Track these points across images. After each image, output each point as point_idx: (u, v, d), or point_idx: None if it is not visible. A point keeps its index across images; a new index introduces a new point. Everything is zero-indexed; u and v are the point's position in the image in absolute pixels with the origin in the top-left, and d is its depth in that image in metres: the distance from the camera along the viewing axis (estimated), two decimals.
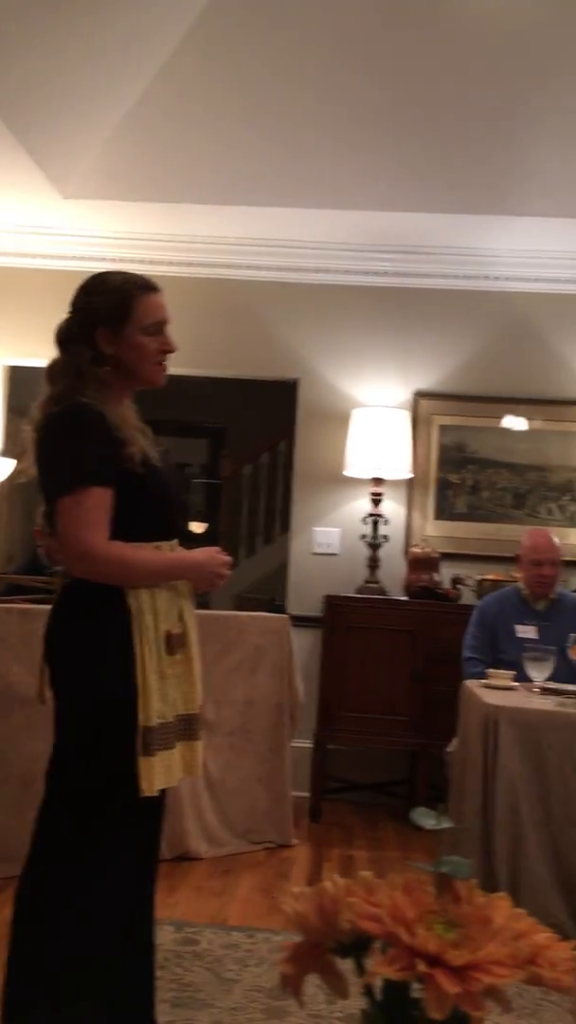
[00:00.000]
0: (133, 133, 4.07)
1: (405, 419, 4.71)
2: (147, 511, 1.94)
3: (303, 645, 4.46)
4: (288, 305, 4.94)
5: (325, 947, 0.64)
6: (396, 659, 4.38)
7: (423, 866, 0.60)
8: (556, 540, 4.00)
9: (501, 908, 0.59)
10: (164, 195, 4.44)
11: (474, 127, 4.00)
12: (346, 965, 0.65)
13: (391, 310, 4.91)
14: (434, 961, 0.53)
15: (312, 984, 0.64)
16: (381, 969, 0.53)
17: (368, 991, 0.58)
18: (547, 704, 3.10)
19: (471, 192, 4.29)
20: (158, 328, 1.98)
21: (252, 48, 3.76)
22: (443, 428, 4.88)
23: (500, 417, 4.85)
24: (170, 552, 1.97)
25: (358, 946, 0.62)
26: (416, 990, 0.57)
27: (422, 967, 0.52)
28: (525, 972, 0.55)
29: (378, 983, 0.60)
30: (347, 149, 4.14)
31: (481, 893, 0.60)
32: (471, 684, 3.46)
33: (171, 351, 2.01)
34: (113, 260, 4.66)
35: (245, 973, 2.61)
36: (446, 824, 0.60)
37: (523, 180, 4.22)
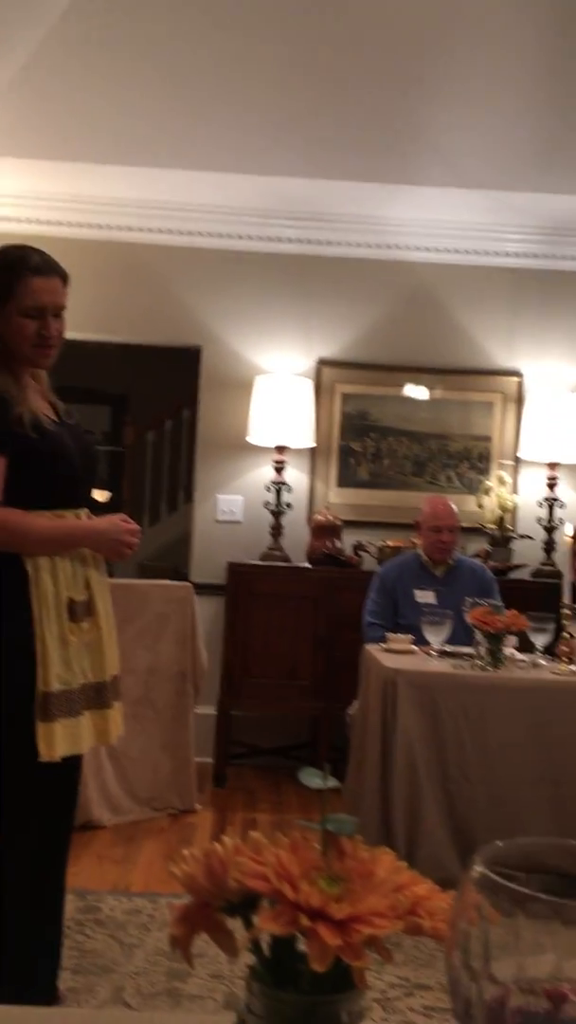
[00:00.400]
0: (26, 90, 3.93)
1: (308, 387, 4.73)
2: (45, 479, 1.91)
3: (207, 613, 4.46)
4: (190, 271, 4.88)
5: (214, 907, 0.65)
6: (299, 625, 4.43)
7: (309, 824, 0.61)
8: (455, 507, 4.09)
9: (383, 862, 0.61)
10: (59, 153, 4.31)
11: (375, 95, 4.01)
12: (238, 925, 0.66)
13: (294, 278, 4.90)
14: (317, 915, 0.55)
15: (214, 945, 0.65)
16: (266, 925, 0.54)
17: (256, 947, 0.59)
18: (444, 666, 3.19)
19: (372, 160, 4.30)
20: (39, 312, 1.93)
21: (151, 7, 3.67)
22: (345, 396, 4.92)
23: (402, 386, 4.91)
24: (73, 520, 1.94)
25: (246, 905, 0.63)
26: (301, 944, 0.58)
27: (305, 921, 0.54)
28: (405, 922, 0.57)
29: (266, 939, 0.61)
30: (247, 113, 4.09)
31: (365, 848, 0.61)
32: (371, 648, 3.53)
33: (48, 337, 1.95)
34: (7, 219, 4.53)
35: (147, 938, 2.62)
36: (332, 783, 0.61)
37: (423, 150, 4.25)
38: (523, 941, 0.45)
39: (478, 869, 0.46)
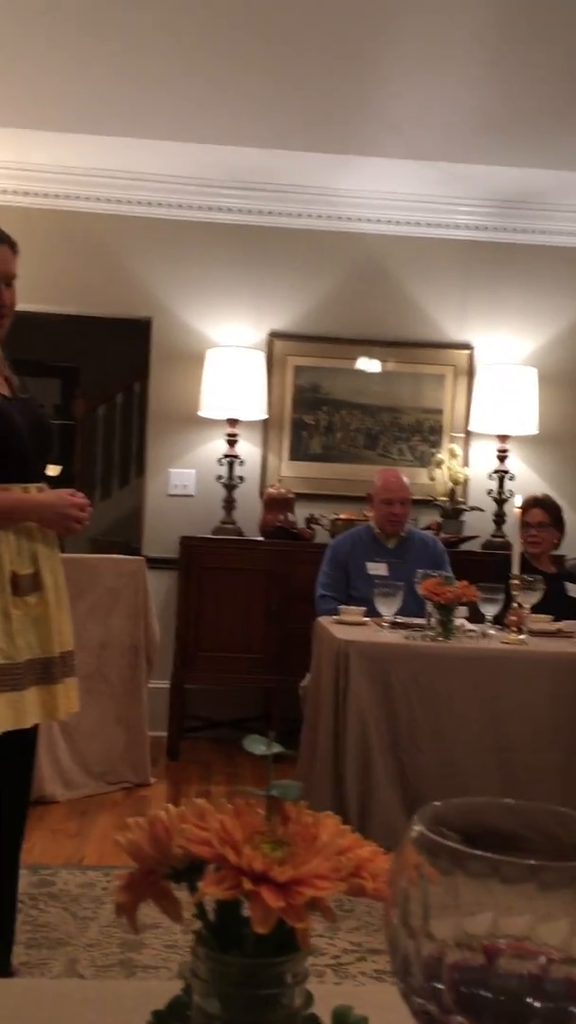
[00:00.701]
0: None
1: (260, 360, 4.71)
2: None
3: (160, 587, 4.45)
4: (139, 241, 4.82)
5: (159, 874, 0.65)
6: (252, 598, 4.44)
7: (254, 790, 0.61)
8: (406, 480, 4.11)
9: (328, 826, 0.61)
10: (3, 120, 4.21)
11: (323, 64, 3.96)
12: (185, 892, 0.66)
13: (245, 249, 4.86)
14: (259, 879, 0.55)
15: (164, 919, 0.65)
16: (209, 889, 0.55)
17: (201, 912, 0.60)
18: (395, 637, 3.22)
19: (321, 130, 4.27)
20: None
21: None
22: (298, 369, 4.91)
23: (354, 359, 4.91)
24: (18, 494, 1.92)
25: (192, 871, 0.63)
26: (246, 909, 0.59)
27: (247, 885, 0.54)
28: (348, 884, 0.58)
29: (211, 905, 0.62)
30: (194, 80, 4.03)
31: (309, 813, 0.62)
32: (324, 620, 3.55)
33: (1, 306, 1.92)
34: None
35: (101, 911, 2.63)
36: (276, 749, 0.62)
37: (372, 120, 4.22)
38: (462, 899, 0.45)
39: (416, 828, 0.46)
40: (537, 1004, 0.41)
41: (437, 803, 0.50)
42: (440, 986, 0.42)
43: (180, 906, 0.67)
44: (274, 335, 4.88)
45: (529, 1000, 0.41)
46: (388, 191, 4.75)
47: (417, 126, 4.24)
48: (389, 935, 0.45)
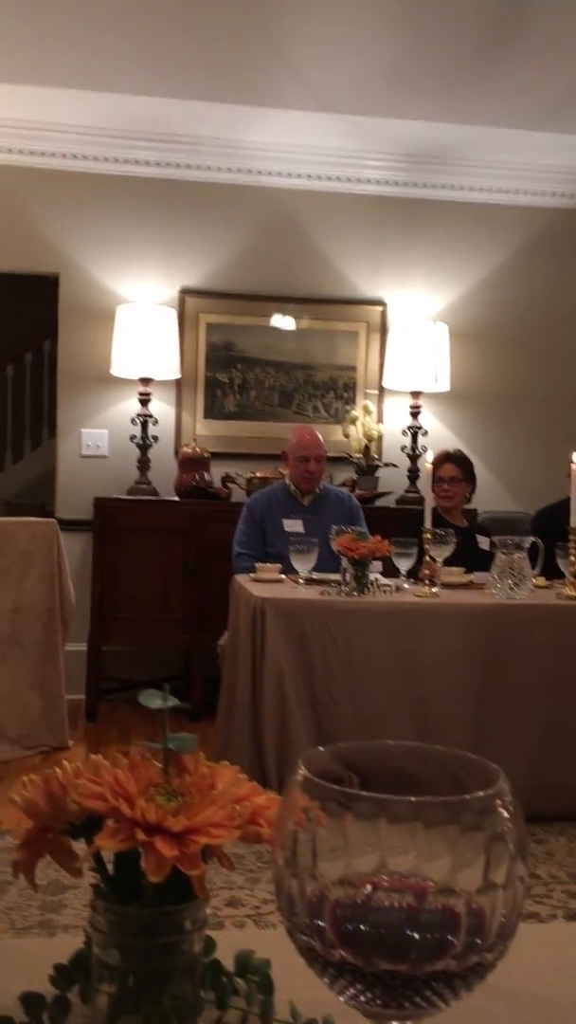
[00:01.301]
0: None
1: (171, 317, 4.64)
2: None
3: (74, 549, 4.40)
4: (45, 194, 4.68)
5: (56, 830, 0.64)
6: (169, 558, 4.42)
7: (151, 744, 0.61)
8: (321, 437, 4.12)
9: (224, 776, 0.62)
10: None
11: (233, 14, 3.88)
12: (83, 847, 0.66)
13: (153, 202, 4.76)
14: (153, 829, 0.55)
15: (89, 875, 0.65)
16: (103, 842, 0.55)
17: (99, 865, 0.60)
18: (310, 593, 3.25)
19: (231, 81, 4.20)
20: None
21: None
22: (210, 326, 4.85)
23: (267, 316, 4.88)
24: None
25: (89, 826, 0.63)
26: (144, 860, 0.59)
27: (141, 836, 0.54)
28: (243, 831, 0.58)
29: (110, 859, 0.62)
30: (103, 29, 3.90)
31: (207, 764, 0.62)
32: (240, 578, 3.55)
33: None
34: None
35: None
36: (172, 702, 0.62)
37: (280, 71, 4.16)
38: (352, 841, 0.46)
39: (301, 772, 0.47)
40: (416, 935, 0.43)
41: (322, 748, 0.50)
42: (322, 924, 0.43)
43: (78, 860, 0.67)
44: (186, 292, 4.81)
45: (408, 932, 0.43)
46: (299, 144, 4.70)
47: (327, 79, 4.20)
48: (275, 876, 0.46)
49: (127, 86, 4.23)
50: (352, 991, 0.43)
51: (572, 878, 2.74)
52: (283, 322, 4.89)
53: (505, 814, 0.45)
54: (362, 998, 0.44)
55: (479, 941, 0.43)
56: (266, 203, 4.84)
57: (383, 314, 4.96)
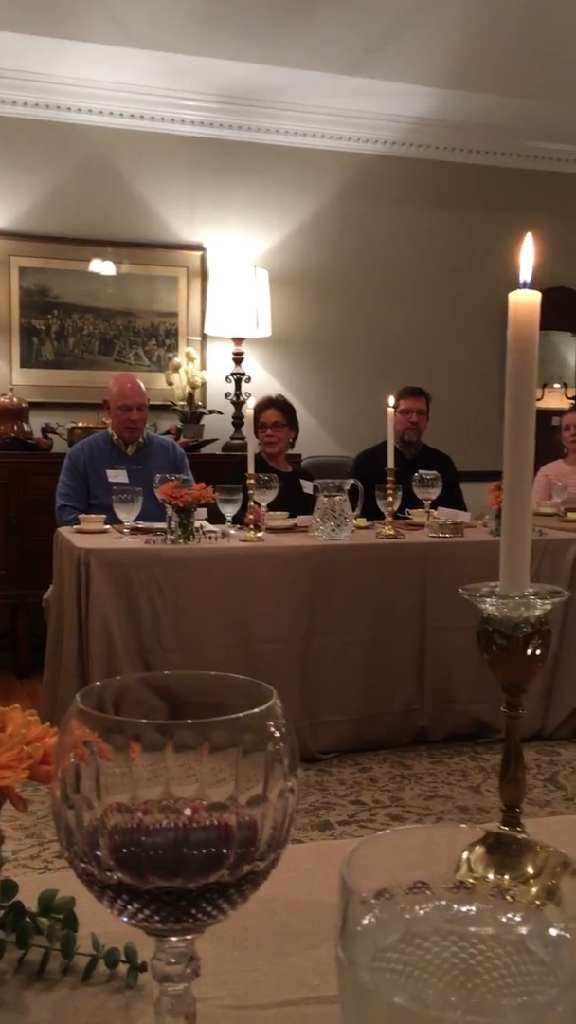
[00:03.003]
0: None
1: None
2: None
3: None
4: None
5: None
6: None
7: None
8: (143, 385, 4.06)
9: (14, 719, 0.61)
10: None
11: None
12: None
13: None
14: None
15: None
16: None
17: None
18: (135, 543, 3.23)
19: (35, 12, 3.99)
20: None
21: None
22: (23, 271, 4.66)
23: (84, 260, 4.74)
24: None
25: None
26: None
27: None
28: (33, 771, 0.58)
29: None
30: None
31: None
32: (64, 531, 3.49)
33: None
34: None
35: None
36: None
37: (91, 3, 3.99)
38: (137, 771, 0.47)
39: (78, 706, 0.47)
40: (192, 852, 0.44)
41: (98, 682, 0.51)
42: (99, 852, 0.44)
43: None
44: None
45: (184, 850, 0.44)
46: (109, 80, 4.54)
47: (140, 13, 4.06)
48: (53, 809, 0.46)
49: None
50: (131, 909, 0.45)
51: (394, 802, 2.89)
52: (102, 267, 4.76)
53: (277, 732, 0.46)
54: (140, 915, 0.45)
55: (252, 850, 0.45)
56: (78, 141, 4.66)
57: (203, 259, 4.92)
